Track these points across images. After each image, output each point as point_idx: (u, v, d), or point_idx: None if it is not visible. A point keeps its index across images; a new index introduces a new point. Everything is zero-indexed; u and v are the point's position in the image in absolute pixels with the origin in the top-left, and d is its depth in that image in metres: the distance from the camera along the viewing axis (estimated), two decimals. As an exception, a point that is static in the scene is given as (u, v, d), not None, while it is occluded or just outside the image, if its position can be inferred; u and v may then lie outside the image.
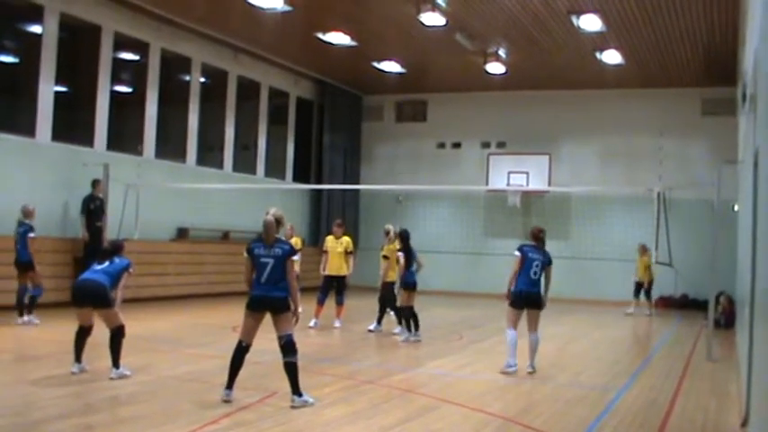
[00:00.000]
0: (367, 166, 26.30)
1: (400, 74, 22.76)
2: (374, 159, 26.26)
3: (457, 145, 25.46)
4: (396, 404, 8.06)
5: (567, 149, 23.96)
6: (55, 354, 9.14)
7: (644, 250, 19.47)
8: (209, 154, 21.24)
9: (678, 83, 22.08)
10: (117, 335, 8.74)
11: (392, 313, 14.17)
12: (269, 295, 7.69)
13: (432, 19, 16.56)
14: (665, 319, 19.68)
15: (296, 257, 7.94)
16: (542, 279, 10.14)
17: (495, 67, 20.62)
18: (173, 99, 19.61)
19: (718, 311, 16.03)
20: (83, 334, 8.90)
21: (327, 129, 24.94)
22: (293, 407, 7.53)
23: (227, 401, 7.60)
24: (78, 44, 17.55)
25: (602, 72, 20.96)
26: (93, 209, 16.05)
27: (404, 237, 13.34)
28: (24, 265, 13.08)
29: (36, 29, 16.01)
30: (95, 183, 16.15)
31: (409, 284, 13.16)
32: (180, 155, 19.83)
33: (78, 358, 8.88)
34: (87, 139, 17.08)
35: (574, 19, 16.68)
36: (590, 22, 16.81)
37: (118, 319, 8.81)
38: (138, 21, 17.98)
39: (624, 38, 18.04)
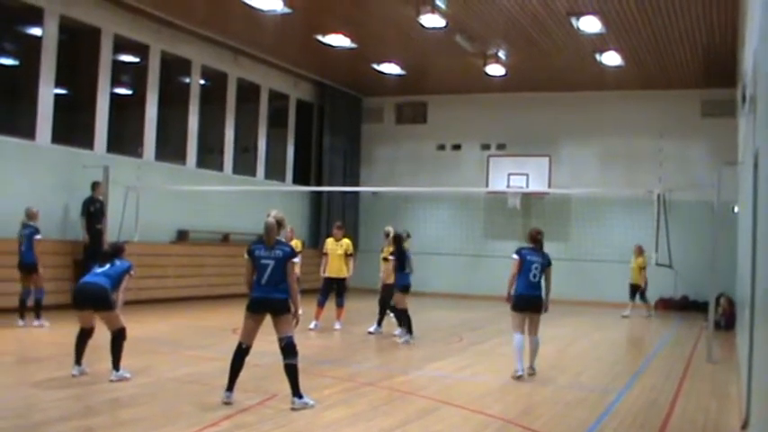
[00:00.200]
0: (367, 168, 26.31)
1: (400, 76, 22.76)
2: (374, 161, 26.26)
3: (457, 147, 25.46)
4: (396, 406, 8.05)
5: (567, 151, 23.96)
6: (56, 356, 9.14)
7: (640, 252, 19.48)
8: (209, 156, 21.25)
9: (678, 84, 22.09)
10: (118, 337, 8.75)
11: (392, 315, 14.16)
12: (269, 297, 7.69)
13: (431, 21, 16.56)
14: (665, 320, 19.69)
15: (296, 260, 7.94)
16: (542, 281, 10.09)
17: (495, 69, 20.62)
18: (173, 101, 19.61)
19: (719, 313, 16.02)
20: (84, 336, 8.91)
21: (327, 131, 24.94)
22: (293, 409, 7.53)
23: (227, 403, 7.60)
24: (78, 46, 17.56)
25: (601, 74, 20.96)
26: (94, 211, 16.05)
27: (397, 240, 13.39)
28: (29, 267, 13.09)
29: (36, 31, 16.02)
30: (95, 185, 16.14)
31: (404, 287, 13.20)
32: (180, 157, 19.83)
33: (79, 360, 8.88)
34: (87, 142, 17.09)
35: (573, 21, 16.68)
36: (589, 24, 16.82)
37: (119, 321, 8.81)
38: (137, 23, 17.99)
39: (624, 39, 18.05)
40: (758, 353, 6.22)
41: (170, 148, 19.70)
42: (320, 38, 19.04)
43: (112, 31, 17.47)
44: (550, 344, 12.28)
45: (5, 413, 7.10)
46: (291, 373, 7.64)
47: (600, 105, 23.56)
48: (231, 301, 17.05)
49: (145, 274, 17.71)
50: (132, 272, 9.09)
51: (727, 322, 16.46)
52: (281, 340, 7.68)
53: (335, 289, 14.28)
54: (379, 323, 14.07)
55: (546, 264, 10.08)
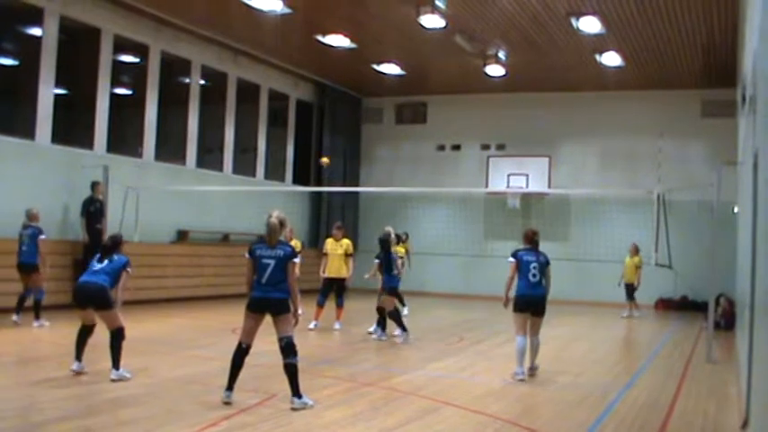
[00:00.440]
0: (367, 168, 26.31)
1: (400, 76, 22.77)
2: (374, 161, 26.27)
3: (456, 147, 25.46)
4: (396, 406, 8.05)
5: (567, 151, 23.98)
6: (56, 356, 9.14)
7: (636, 251, 19.47)
8: (209, 156, 21.25)
9: (678, 85, 22.10)
10: (117, 336, 8.76)
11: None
12: (269, 296, 7.69)
13: (431, 21, 16.57)
14: (664, 320, 19.70)
15: (297, 260, 7.93)
16: (543, 281, 10.02)
17: (495, 69, 20.62)
18: (172, 101, 19.61)
19: (718, 313, 16.03)
20: (85, 332, 8.95)
21: (327, 131, 24.94)
22: (293, 409, 7.53)
23: (227, 403, 7.60)
24: (78, 46, 17.56)
25: (601, 74, 20.98)
26: (93, 211, 16.05)
27: (384, 242, 13.50)
28: (29, 267, 13.10)
29: (36, 31, 16.02)
30: (95, 185, 16.15)
31: (391, 288, 13.32)
32: (180, 157, 19.83)
33: (79, 356, 8.91)
34: (87, 142, 17.09)
35: (573, 21, 16.69)
36: (589, 24, 16.82)
37: (118, 320, 8.82)
38: (137, 23, 18.00)
39: (624, 40, 18.05)
40: (758, 353, 6.22)
41: (170, 148, 19.70)
42: (320, 38, 19.05)
43: (112, 31, 17.47)
44: (550, 344, 12.27)
45: (6, 413, 7.10)
46: (291, 372, 7.64)
47: (600, 106, 23.57)
48: (231, 300, 17.06)
49: (145, 274, 17.73)
50: (129, 269, 9.08)
51: (726, 322, 16.47)
52: (280, 340, 7.68)
53: (335, 289, 14.30)
54: (379, 324, 14.03)
55: (545, 263, 10.03)
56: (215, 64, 20.68)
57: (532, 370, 10.05)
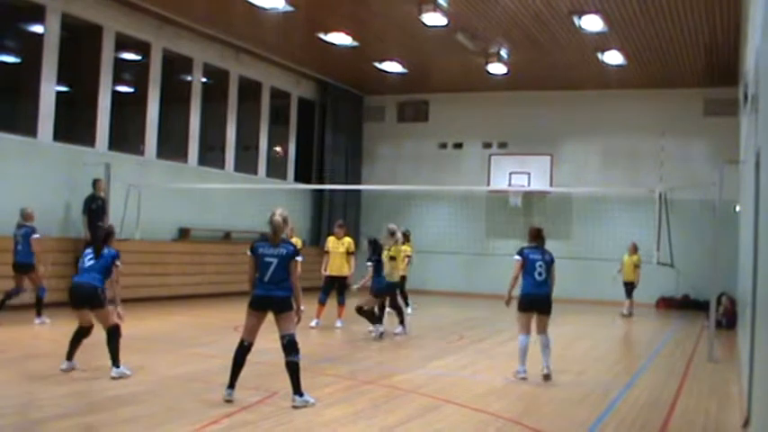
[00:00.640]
0: (368, 166, 26.31)
1: (402, 74, 22.76)
2: (376, 160, 26.27)
3: (458, 145, 25.46)
4: (397, 404, 8.05)
5: (569, 150, 23.96)
6: (56, 353, 9.14)
7: (635, 249, 19.43)
8: (211, 154, 21.25)
9: (680, 83, 22.07)
10: (113, 334, 8.77)
11: (394, 313, 14.20)
12: (271, 294, 7.69)
13: (433, 19, 16.55)
14: (666, 319, 19.69)
15: (299, 258, 7.91)
16: (548, 279, 9.87)
17: (497, 68, 20.62)
18: (174, 99, 19.62)
19: (720, 312, 16.02)
20: (81, 333, 8.98)
21: (329, 129, 24.94)
22: (294, 407, 7.53)
23: (228, 401, 7.60)
24: (80, 44, 17.55)
25: (603, 72, 20.95)
26: (95, 209, 16.05)
27: (375, 245, 13.57)
28: (25, 266, 13.08)
29: (38, 29, 16.02)
30: (96, 183, 16.15)
31: (378, 291, 13.34)
32: (181, 155, 19.84)
33: (70, 356, 8.94)
34: (89, 139, 17.10)
35: (575, 19, 16.67)
36: (592, 23, 16.80)
37: (112, 318, 8.83)
38: (139, 20, 18.00)
39: (626, 38, 18.03)
40: (759, 352, 6.22)
41: (171, 146, 19.70)
42: (322, 36, 19.04)
43: (114, 28, 17.47)
44: (552, 342, 12.26)
45: (6, 410, 7.10)
46: (293, 370, 7.64)
47: (602, 104, 23.55)
48: (233, 298, 17.06)
49: (146, 271, 17.79)
50: (119, 262, 9.08)
51: (728, 321, 16.46)
52: (282, 338, 7.68)
53: (337, 287, 14.31)
54: (402, 322, 14.03)
55: (550, 261, 9.89)
56: (217, 62, 20.67)
57: (547, 374, 9.64)
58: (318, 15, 17.80)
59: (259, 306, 7.77)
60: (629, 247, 19.62)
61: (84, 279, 8.82)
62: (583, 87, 23.14)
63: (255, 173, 22.48)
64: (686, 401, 8.91)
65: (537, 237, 10.05)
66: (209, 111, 20.71)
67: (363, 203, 25.73)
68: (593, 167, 23.59)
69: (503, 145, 24.74)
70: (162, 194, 18.03)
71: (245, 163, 22.22)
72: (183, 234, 19.43)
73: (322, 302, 14.26)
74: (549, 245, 10.22)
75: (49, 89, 15.97)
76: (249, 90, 22.05)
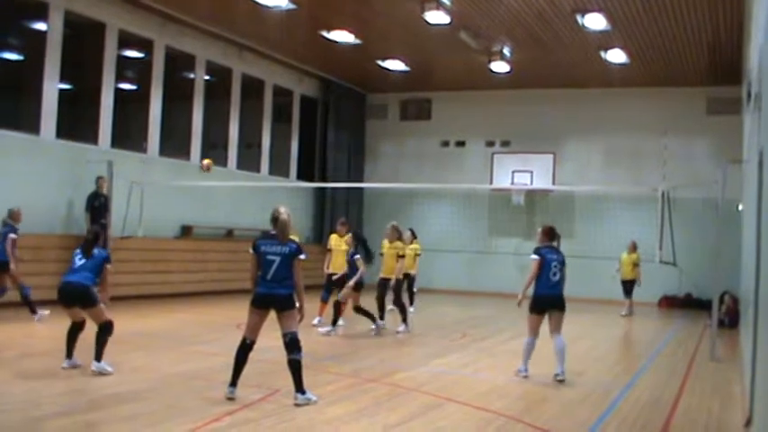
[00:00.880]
0: (371, 164, 26.31)
1: (404, 72, 22.75)
2: (378, 157, 26.27)
3: (461, 143, 25.46)
4: (399, 402, 8.05)
5: (572, 148, 23.95)
6: (55, 350, 9.14)
7: (634, 248, 19.39)
8: (214, 152, 21.25)
9: (683, 82, 22.04)
10: (104, 330, 8.77)
11: (397, 310, 14.22)
12: (274, 293, 7.68)
13: (436, 17, 16.56)
14: (668, 318, 19.68)
15: (303, 256, 7.88)
16: (562, 280, 9.72)
17: (500, 66, 20.61)
18: (177, 97, 19.63)
19: (722, 311, 16.01)
20: (75, 329, 9.01)
21: (332, 127, 24.94)
22: (296, 404, 7.53)
23: (230, 399, 7.60)
24: (83, 41, 17.57)
25: (606, 71, 20.94)
26: (98, 206, 16.07)
27: (359, 239, 13.58)
28: (3, 265, 13.05)
29: (41, 26, 16.04)
30: (99, 180, 16.16)
31: (360, 286, 13.32)
32: (184, 152, 19.85)
33: (69, 354, 8.95)
34: (91, 137, 17.11)
35: (579, 18, 16.65)
36: (595, 21, 16.78)
37: (104, 315, 8.83)
38: (142, 18, 18.00)
39: (629, 37, 18.01)
40: (762, 351, 6.21)
41: (174, 144, 19.71)
42: (325, 34, 19.04)
43: (117, 26, 17.48)
44: (550, 341, 12.26)
45: (5, 408, 7.10)
46: (295, 368, 7.64)
47: (605, 103, 23.53)
48: (235, 296, 17.05)
49: (149, 269, 17.81)
50: (109, 264, 9.11)
51: (730, 320, 16.45)
52: (285, 336, 7.68)
53: (338, 284, 14.25)
54: (381, 318, 14.03)
55: (563, 261, 9.73)
56: (220, 59, 20.68)
57: (562, 379, 9.48)
58: (321, 13, 17.79)
59: (261, 304, 7.77)
60: (628, 246, 19.59)
61: (75, 278, 8.82)
62: (586, 86, 23.12)
63: (258, 170, 22.48)
64: (688, 401, 8.90)
65: (552, 236, 9.86)
66: (212, 108, 20.72)
67: (366, 201, 25.72)
68: (596, 166, 23.57)
69: (505, 143, 24.74)
70: (164, 192, 18.04)
71: (248, 161, 22.23)
72: (186, 231, 19.44)
73: (324, 300, 14.26)
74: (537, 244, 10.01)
75: (52, 87, 15.98)
76: (252, 88, 22.06)
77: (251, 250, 7.87)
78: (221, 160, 21.20)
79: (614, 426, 7.50)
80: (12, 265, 13.07)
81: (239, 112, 21.59)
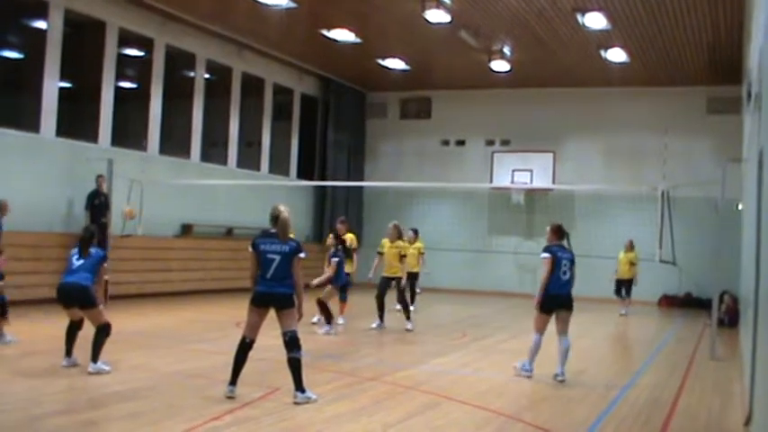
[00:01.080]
0: (371, 162, 26.31)
1: (405, 71, 22.74)
2: (378, 156, 26.27)
3: (461, 142, 25.45)
4: (398, 401, 8.05)
5: (572, 147, 23.94)
6: (57, 349, 9.14)
7: (631, 246, 19.38)
8: (214, 150, 21.26)
9: (683, 81, 22.04)
10: (102, 332, 8.75)
11: (400, 307, 14.24)
12: (274, 291, 7.68)
13: (436, 16, 16.55)
14: (668, 317, 19.69)
15: (303, 255, 7.88)
16: (571, 279, 9.59)
17: (500, 65, 20.62)
18: (177, 95, 19.62)
19: (722, 310, 16.01)
20: (74, 328, 9.01)
21: (332, 125, 24.94)
22: (296, 403, 7.54)
23: (230, 397, 7.60)
24: (83, 40, 17.56)
25: (606, 70, 20.93)
26: (98, 204, 16.07)
27: (340, 239, 13.70)
28: None
29: (41, 24, 16.03)
30: (99, 178, 16.16)
31: (343, 285, 13.47)
32: (184, 151, 19.85)
33: (69, 352, 8.96)
34: (91, 135, 17.10)
35: (579, 17, 16.64)
36: (595, 20, 16.78)
37: (102, 317, 8.83)
38: (142, 16, 18.00)
39: (629, 36, 18.01)
40: (762, 350, 6.21)
41: (174, 142, 19.71)
42: (325, 32, 19.03)
43: (117, 24, 17.47)
44: (553, 340, 12.26)
45: (6, 406, 7.10)
46: (295, 367, 7.64)
47: (605, 102, 23.52)
48: (235, 294, 17.05)
49: (148, 267, 17.81)
50: (106, 263, 9.12)
51: (730, 319, 16.46)
52: (284, 334, 7.68)
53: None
54: (408, 318, 14.04)
55: (573, 260, 9.62)
56: (220, 58, 20.68)
57: (562, 380, 9.46)
58: (321, 12, 17.79)
59: (261, 303, 7.76)
60: (625, 244, 19.56)
61: (74, 279, 8.81)
62: (586, 85, 23.11)
63: (258, 169, 22.48)
64: (688, 400, 8.90)
65: (561, 234, 9.75)
66: (212, 107, 20.72)
67: (366, 200, 25.72)
68: (596, 165, 23.57)
69: (505, 142, 24.74)
70: (165, 190, 18.04)
71: (248, 159, 22.23)
72: (186, 230, 19.45)
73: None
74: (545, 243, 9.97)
75: (52, 85, 15.98)
76: (252, 86, 22.05)
77: (250, 249, 7.86)
78: (221, 158, 21.21)
79: (614, 425, 7.50)
80: None
81: (239, 110, 21.59)
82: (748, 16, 13.68)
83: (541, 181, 23.05)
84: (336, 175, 24.47)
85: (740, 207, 15.13)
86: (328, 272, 13.35)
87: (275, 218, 7.85)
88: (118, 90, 17.71)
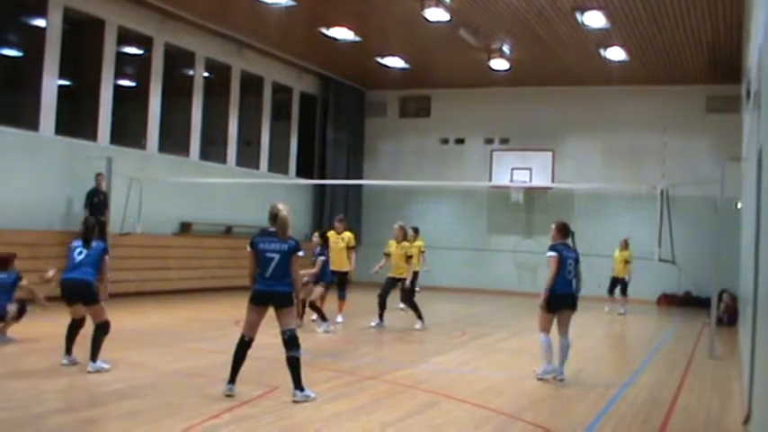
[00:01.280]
0: (370, 161, 26.30)
1: (404, 69, 22.73)
2: (377, 155, 26.26)
3: (460, 141, 25.45)
4: (398, 400, 8.05)
5: (571, 146, 23.95)
6: (57, 347, 9.14)
7: (626, 245, 19.37)
8: (213, 148, 21.26)
9: (682, 80, 22.04)
10: (100, 330, 8.76)
11: (403, 306, 14.25)
12: (272, 290, 7.68)
13: (435, 14, 16.55)
14: (667, 316, 19.69)
15: (301, 253, 7.89)
16: (575, 278, 9.51)
17: (499, 64, 20.61)
18: (176, 93, 19.62)
19: (721, 309, 16.01)
20: (75, 326, 9.03)
21: (331, 124, 24.93)
22: (295, 401, 7.53)
23: (229, 396, 7.61)
24: (82, 38, 17.54)
25: (606, 69, 20.93)
26: (97, 203, 16.07)
27: (325, 238, 13.78)
28: None
29: (40, 22, 16.02)
30: (98, 176, 16.15)
31: (328, 282, 13.49)
32: (183, 149, 19.84)
33: (69, 350, 8.96)
34: (90, 133, 17.10)
35: (578, 15, 16.64)
36: (594, 19, 16.78)
37: (103, 314, 8.84)
38: (141, 15, 17.99)
39: (628, 34, 18.00)
40: (760, 349, 6.22)
41: (173, 141, 19.70)
42: (324, 31, 19.02)
43: (116, 22, 17.46)
44: (553, 340, 12.27)
45: (7, 405, 7.10)
46: (294, 365, 7.64)
47: (604, 100, 23.52)
48: (234, 293, 17.07)
49: (147, 265, 17.80)
50: (107, 255, 9.11)
51: (729, 318, 16.46)
52: (283, 333, 7.67)
53: (337, 282, 14.25)
54: (419, 317, 14.05)
55: (577, 259, 9.53)
56: (219, 56, 20.67)
57: (560, 376, 9.46)
58: (321, 10, 17.78)
59: (260, 301, 7.76)
60: (620, 243, 19.55)
61: (77, 275, 8.82)
62: (585, 83, 23.11)
63: (257, 167, 22.48)
64: (687, 398, 8.90)
65: (566, 233, 9.65)
66: (211, 105, 20.72)
67: (365, 199, 25.71)
68: (595, 164, 23.57)
69: (504, 141, 24.74)
70: (164, 188, 18.04)
71: (247, 157, 22.23)
72: (185, 228, 19.44)
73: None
74: (549, 241, 9.85)
75: (51, 83, 15.97)
76: (251, 85, 22.05)
77: (249, 248, 7.86)
78: (220, 157, 21.20)
79: (613, 423, 7.50)
80: None
81: (238, 108, 21.58)
82: (748, 15, 13.68)
83: (541, 180, 23.05)
84: (335, 174, 24.46)
85: (739, 206, 15.13)
86: (313, 270, 13.31)
87: (274, 216, 7.85)
88: (117, 88, 17.71)
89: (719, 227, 12.51)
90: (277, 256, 7.69)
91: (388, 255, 14.36)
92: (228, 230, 20.67)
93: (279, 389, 7.99)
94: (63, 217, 16.18)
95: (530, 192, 23.69)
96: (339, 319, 14.24)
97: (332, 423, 6.95)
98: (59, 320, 9.53)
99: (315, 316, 13.77)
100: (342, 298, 14.34)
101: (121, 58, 18.10)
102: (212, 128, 21.05)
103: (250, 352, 7.82)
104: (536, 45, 19.34)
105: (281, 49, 21.83)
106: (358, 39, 19.57)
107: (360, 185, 25.03)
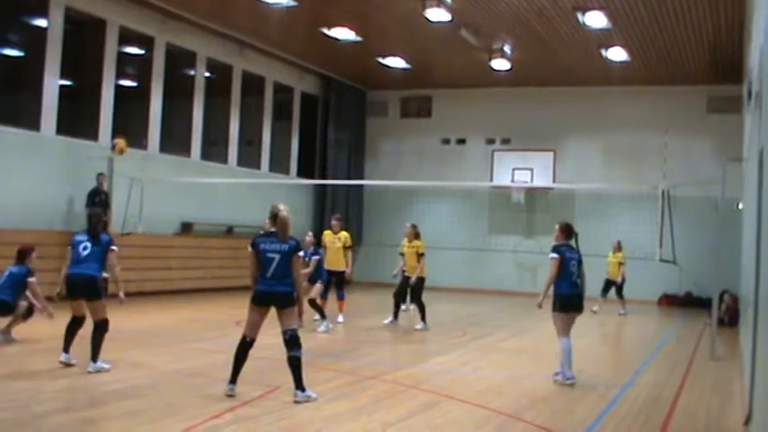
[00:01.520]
0: (371, 161, 26.30)
1: (405, 70, 22.74)
2: (379, 155, 26.26)
3: (461, 141, 25.46)
4: (398, 400, 8.05)
5: (572, 146, 23.94)
6: (57, 348, 9.13)
7: (619, 247, 19.35)
8: (214, 148, 21.27)
9: (683, 80, 22.04)
10: (100, 328, 8.75)
11: (407, 306, 14.27)
12: (274, 290, 7.68)
13: (437, 15, 16.56)
14: (668, 316, 19.68)
15: (302, 253, 7.88)
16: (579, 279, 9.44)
17: (500, 64, 20.61)
18: (177, 93, 19.63)
19: (722, 310, 16.00)
20: (75, 324, 9.02)
21: (332, 124, 24.93)
22: (296, 402, 7.53)
23: (230, 396, 7.61)
24: (83, 38, 17.57)
25: (607, 69, 20.93)
26: (98, 203, 16.07)
27: (318, 239, 13.96)
28: None
29: (41, 22, 16.04)
30: (100, 176, 16.16)
31: (324, 281, 13.55)
32: (184, 149, 19.85)
33: (67, 348, 8.94)
34: (92, 133, 17.11)
35: (579, 16, 16.64)
36: (595, 19, 16.78)
37: (104, 311, 8.83)
38: (143, 15, 18.00)
39: (630, 35, 18.00)
40: (761, 349, 6.21)
41: (174, 141, 19.71)
42: (326, 31, 19.03)
43: (118, 22, 17.47)
44: (553, 339, 12.26)
45: (7, 404, 7.10)
46: (295, 365, 7.63)
47: (605, 101, 23.52)
48: (235, 293, 17.07)
49: (148, 265, 17.80)
50: (114, 246, 9.09)
51: (730, 319, 16.45)
52: (285, 333, 7.67)
53: (335, 282, 14.20)
54: (423, 318, 14.06)
55: (580, 260, 9.47)
56: (220, 56, 20.67)
57: (560, 376, 9.37)
58: (322, 10, 17.78)
59: (261, 302, 7.76)
60: (613, 245, 19.50)
61: (83, 270, 8.81)
62: (586, 84, 23.11)
63: (258, 167, 22.49)
64: (688, 399, 8.90)
65: (570, 234, 9.58)
66: (213, 105, 20.73)
67: (366, 199, 25.71)
68: (596, 164, 23.57)
69: (506, 141, 24.74)
70: (165, 189, 18.05)
71: (248, 157, 22.23)
72: (186, 228, 19.44)
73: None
74: (550, 242, 9.89)
75: (53, 83, 15.98)
76: (252, 85, 22.05)
77: (250, 248, 7.87)
78: (222, 157, 21.21)
79: (614, 424, 7.50)
80: None
81: (240, 109, 21.59)
82: (749, 16, 13.68)
83: (542, 180, 23.05)
84: (336, 174, 24.46)
85: (740, 206, 15.13)
86: (307, 270, 13.31)
87: (274, 216, 7.85)
88: (118, 88, 17.72)
89: (720, 227, 12.50)
90: (277, 257, 7.70)
91: (402, 254, 14.44)
92: (230, 230, 20.68)
93: (280, 389, 7.99)
94: (64, 217, 16.18)
95: (531, 192, 23.69)
96: (340, 318, 14.24)
97: (332, 423, 6.95)
98: (59, 320, 9.54)
99: (317, 316, 13.80)
100: (341, 298, 14.31)
101: (123, 58, 18.11)
102: (213, 128, 21.07)
103: (251, 352, 7.82)
104: (537, 45, 19.34)
105: (283, 50, 21.83)
106: (359, 39, 19.58)
107: (361, 185, 25.03)
